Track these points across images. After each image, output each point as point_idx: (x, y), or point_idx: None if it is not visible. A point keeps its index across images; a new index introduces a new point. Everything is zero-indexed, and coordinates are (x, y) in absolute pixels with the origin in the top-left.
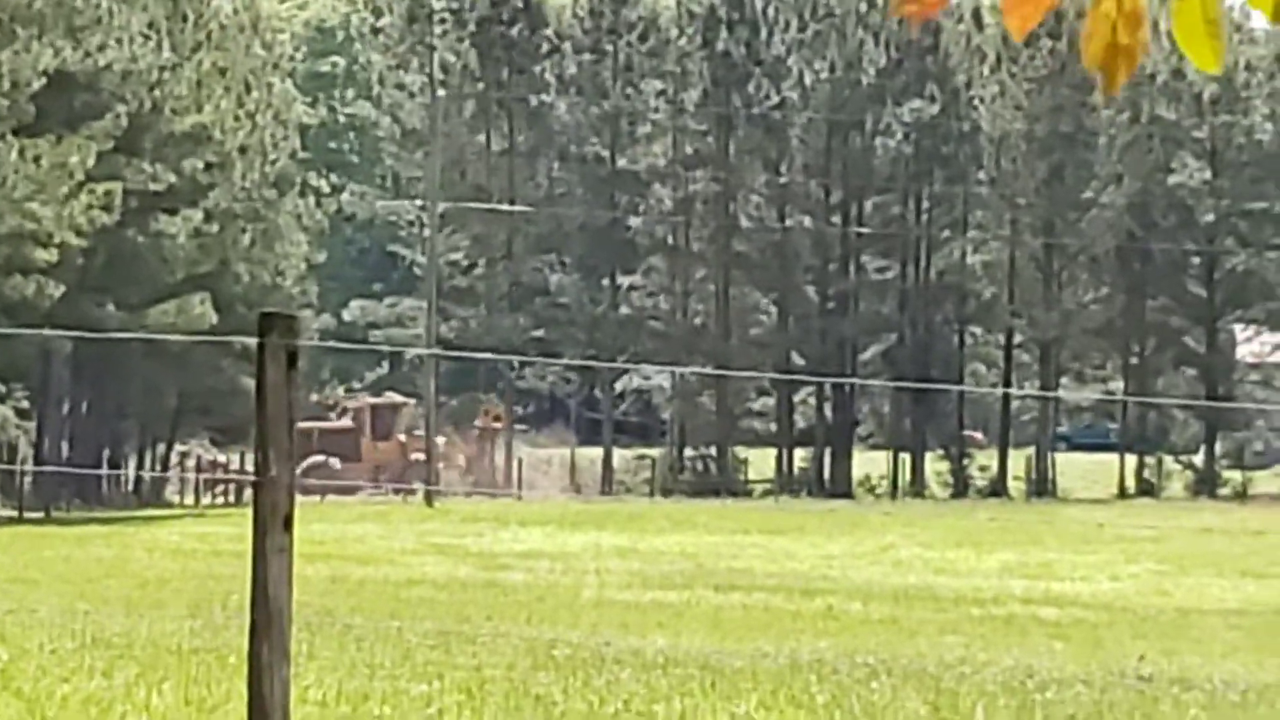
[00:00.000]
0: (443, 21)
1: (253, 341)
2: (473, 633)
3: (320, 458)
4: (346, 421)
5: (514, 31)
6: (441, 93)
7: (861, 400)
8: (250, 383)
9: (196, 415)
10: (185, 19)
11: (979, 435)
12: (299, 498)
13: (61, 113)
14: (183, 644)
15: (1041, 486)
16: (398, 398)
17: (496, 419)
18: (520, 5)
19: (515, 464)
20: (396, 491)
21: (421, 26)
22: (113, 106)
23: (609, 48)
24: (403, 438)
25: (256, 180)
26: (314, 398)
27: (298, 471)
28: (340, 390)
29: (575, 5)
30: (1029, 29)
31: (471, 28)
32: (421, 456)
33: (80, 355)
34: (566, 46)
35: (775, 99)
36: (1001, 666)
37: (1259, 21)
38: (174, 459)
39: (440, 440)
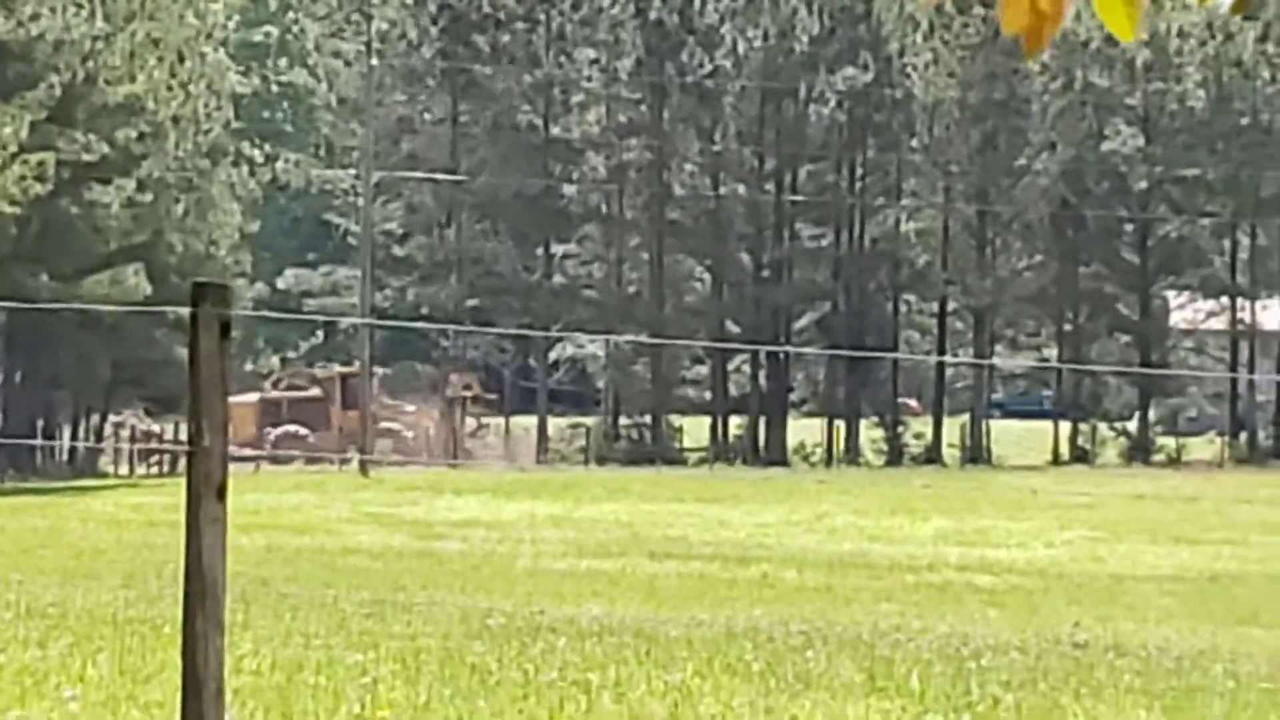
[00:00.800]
0: None
1: (186, 311)
2: (408, 602)
3: (291, 427)
4: (315, 391)
5: (450, 0)
6: (376, 61)
7: (796, 368)
8: (184, 353)
9: (130, 385)
10: None
11: (914, 403)
12: (239, 467)
13: None
14: (117, 614)
15: (976, 454)
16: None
17: (467, 388)
18: None
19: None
20: (332, 460)
21: None
22: (46, 76)
23: (543, 17)
24: (373, 406)
25: (190, 150)
26: (248, 366)
27: (269, 440)
28: (275, 359)
29: None
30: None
31: None
32: (393, 425)
33: (13, 326)
34: (501, 16)
35: (708, 67)
36: (936, 634)
37: None
38: (108, 429)
39: (410, 409)
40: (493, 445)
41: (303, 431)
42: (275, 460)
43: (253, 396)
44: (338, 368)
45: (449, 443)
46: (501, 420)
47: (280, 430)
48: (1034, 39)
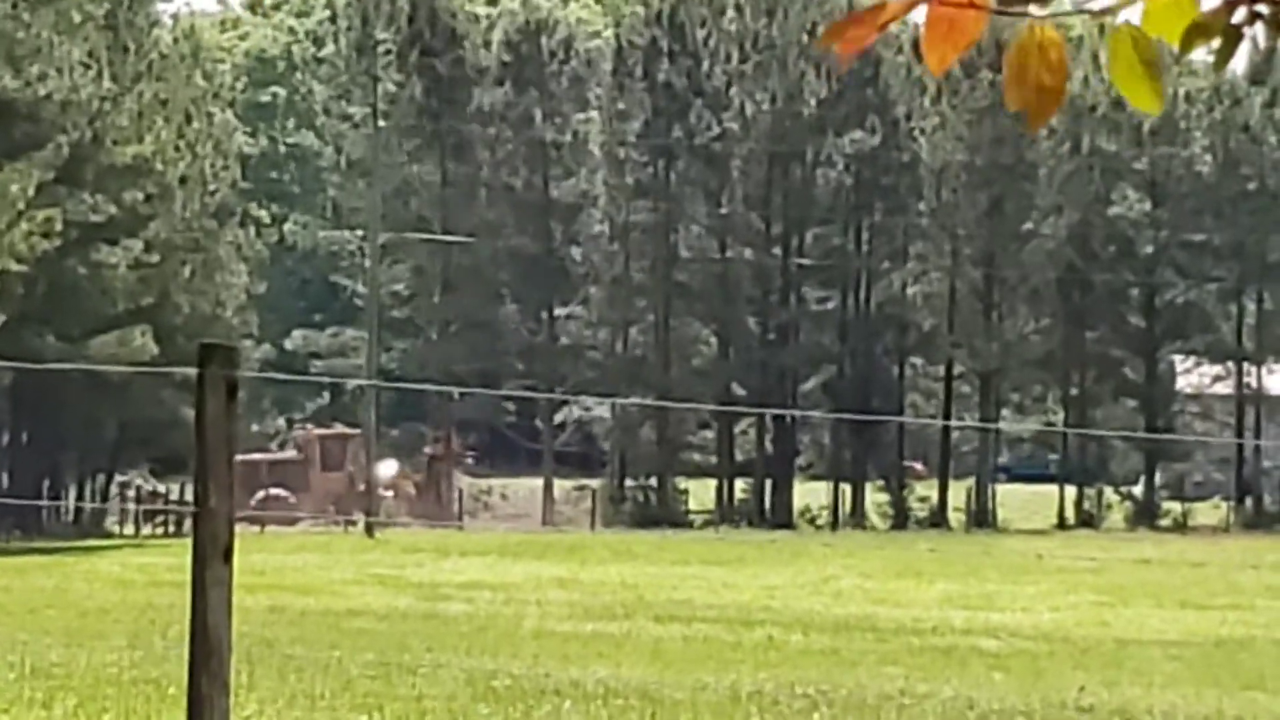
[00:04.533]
0: (388, 53)
1: (193, 372)
2: (413, 663)
3: (274, 490)
4: (293, 453)
5: (457, 62)
6: (383, 123)
7: (802, 431)
8: (190, 413)
9: (136, 446)
10: (126, 50)
11: (919, 466)
12: (244, 528)
13: (1, 142)
14: (122, 675)
15: (981, 517)
16: (346, 429)
17: (444, 443)
18: (464, 35)
19: (456, 494)
20: (337, 522)
21: (367, 58)
22: (53, 137)
23: (550, 78)
24: (353, 469)
25: (197, 211)
26: (254, 427)
27: (251, 504)
28: (281, 420)
29: (517, 36)
30: (946, 66)
31: (415, 58)
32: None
33: (20, 386)
34: (508, 77)
35: (716, 130)
36: (941, 697)
37: (1199, 53)
38: (114, 489)
39: (395, 468)
40: (495, 507)
41: (283, 494)
42: (254, 521)
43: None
44: (315, 429)
45: (436, 504)
46: (498, 482)
47: (263, 493)
48: (1037, 115)
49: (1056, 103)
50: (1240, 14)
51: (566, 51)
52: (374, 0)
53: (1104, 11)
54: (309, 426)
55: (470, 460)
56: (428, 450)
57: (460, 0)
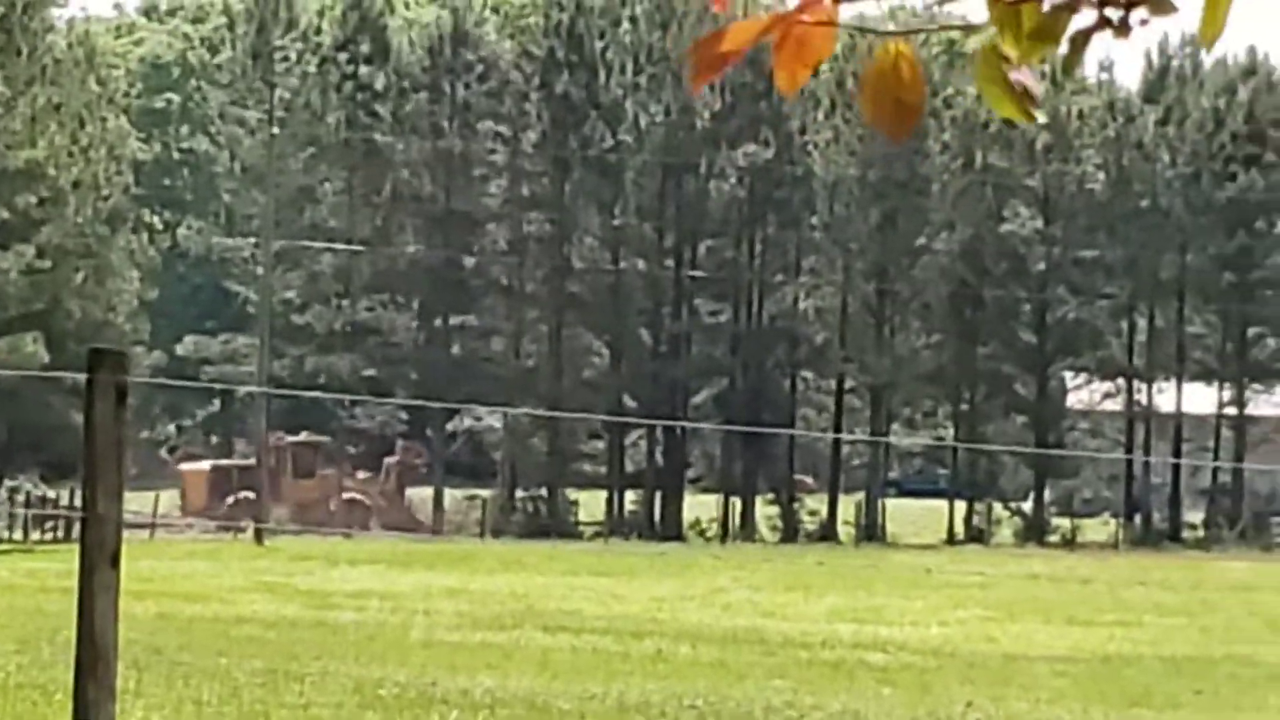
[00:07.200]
0: (285, 60)
1: (83, 378)
2: (300, 671)
3: (244, 494)
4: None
5: (353, 70)
6: (277, 130)
7: (693, 443)
8: (81, 419)
9: (26, 451)
10: (19, 54)
11: (809, 480)
12: (141, 534)
13: None
14: (9, 680)
15: (871, 531)
16: (319, 437)
17: (418, 455)
18: (363, 45)
19: (344, 503)
20: (224, 529)
21: (263, 64)
22: None
23: (447, 88)
24: (325, 475)
25: (89, 216)
26: (144, 434)
27: (224, 506)
28: (172, 427)
29: (415, 45)
30: (800, 85)
31: (312, 66)
32: (354, 495)
33: None
34: (405, 86)
35: (610, 141)
36: (829, 711)
37: (1091, 71)
38: (2, 494)
39: (363, 476)
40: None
41: (251, 496)
42: (230, 529)
43: (205, 465)
44: (288, 437)
45: (398, 512)
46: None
47: (234, 498)
48: (897, 130)
49: (914, 117)
50: (1089, 17)
51: (468, 61)
52: (271, 7)
53: (955, 28)
54: (280, 433)
55: (423, 469)
56: (391, 459)
57: (355, 6)
